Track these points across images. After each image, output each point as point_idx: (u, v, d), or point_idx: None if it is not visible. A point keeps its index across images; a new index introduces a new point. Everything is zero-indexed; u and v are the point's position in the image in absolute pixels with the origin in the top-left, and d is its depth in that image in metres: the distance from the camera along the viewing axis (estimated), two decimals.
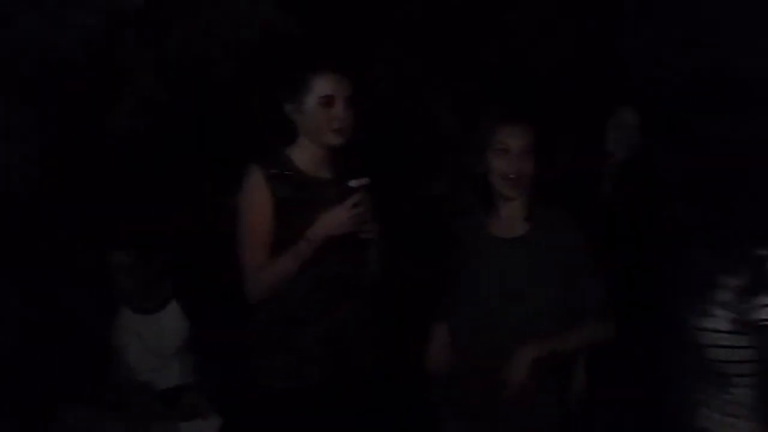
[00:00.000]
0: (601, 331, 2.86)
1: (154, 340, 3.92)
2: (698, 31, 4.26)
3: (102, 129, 3.90)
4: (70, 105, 3.93)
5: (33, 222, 4.25)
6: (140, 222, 4.04)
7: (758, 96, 3.73)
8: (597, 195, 3.62)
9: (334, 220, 2.79)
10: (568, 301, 2.83)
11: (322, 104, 2.85)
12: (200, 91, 3.86)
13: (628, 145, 3.69)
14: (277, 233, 2.82)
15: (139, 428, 3.73)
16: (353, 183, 2.81)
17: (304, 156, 2.91)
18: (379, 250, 2.96)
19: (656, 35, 4.34)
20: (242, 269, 2.83)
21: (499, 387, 2.73)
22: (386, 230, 3.01)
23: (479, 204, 2.94)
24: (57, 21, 3.75)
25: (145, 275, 3.83)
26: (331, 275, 2.85)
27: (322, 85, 2.86)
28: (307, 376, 2.84)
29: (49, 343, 3.90)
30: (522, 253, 2.84)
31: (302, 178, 2.88)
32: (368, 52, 4.45)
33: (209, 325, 3.92)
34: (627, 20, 4.41)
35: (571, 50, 4.10)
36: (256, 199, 2.82)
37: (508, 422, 2.81)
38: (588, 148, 3.69)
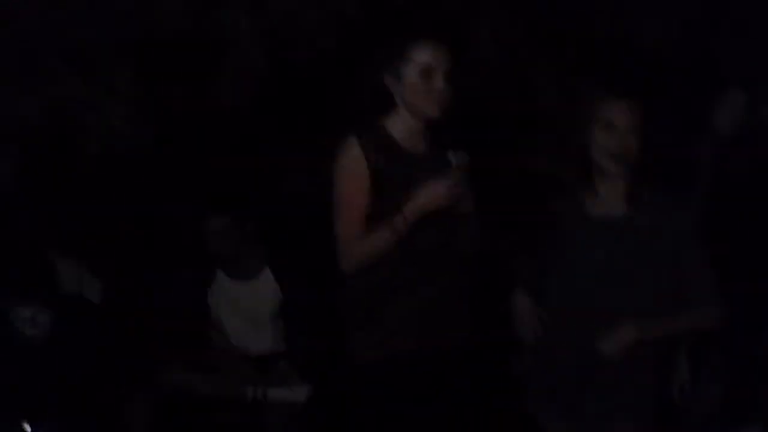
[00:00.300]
0: (707, 317, 2.79)
1: (247, 306, 3.99)
2: None
3: (204, 97, 3.95)
4: (173, 72, 4.00)
5: (133, 184, 4.37)
6: (236, 188, 4.10)
7: None
8: (702, 176, 3.51)
9: (432, 194, 2.77)
10: (672, 285, 2.77)
11: (421, 75, 2.83)
12: (301, 61, 3.87)
13: (736, 125, 3.57)
14: (372, 205, 2.81)
15: (231, 391, 3.82)
16: (452, 158, 2.78)
17: (400, 127, 2.89)
18: (473, 223, 2.93)
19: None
20: (336, 240, 2.84)
21: (592, 363, 2.70)
22: (481, 204, 2.98)
23: (578, 180, 2.89)
24: None
25: (239, 239, 3.89)
26: (426, 248, 2.83)
27: (422, 56, 2.83)
28: (399, 349, 2.84)
29: (146, 306, 4.01)
30: (623, 234, 2.79)
31: (399, 150, 2.87)
32: (466, 20, 4.39)
33: (301, 293, 3.97)
34: None
35: (679, 23, 3.96)
36: (353, 170, 2.81)
37: (598, 401, 2.77)
38: (694, 127, 3.57)
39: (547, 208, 3.01)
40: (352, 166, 2.82)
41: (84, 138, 3.86)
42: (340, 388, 3.06)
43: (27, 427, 3.48)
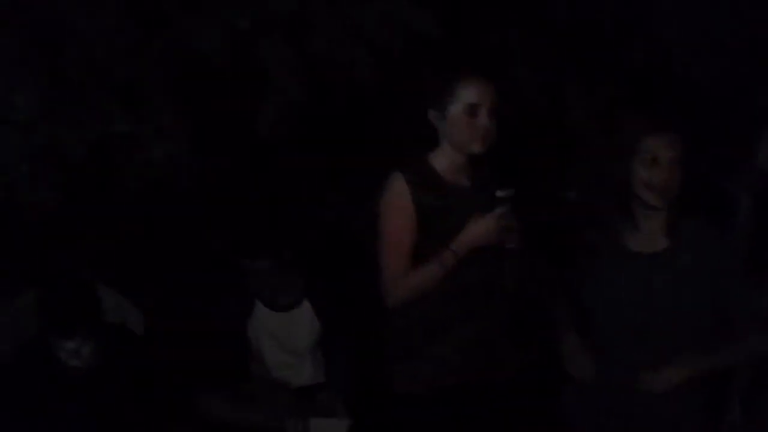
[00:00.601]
0: (755, 351, 2.76)
1: (286, 338, 4.00)
2: None
3: (246, 128, 3.99)
4: (216, 104, 4.05)
5: (174, 217, 4.41)
6: (278, 224, 4.11)
7: None
8: (744, 209, 3.48)
9: (481, 230, 2.78)
10: (717, 319, 2.74)
11: (467, 113, 2.84)
12: (342, 93, 3.91)
13: None
14: (418, 240, 2.82)
15: (273, 422, 3.82)
16: (500, 193, 2.79)
17: (445, 162, 2.90)
18: (520, 259, 2.93)
19: None
20: (382, 274, 2.84)
21: (637, 400, 2.68)
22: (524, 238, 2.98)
23: (617, 214, 2.87)
24: (207, 22, 3.86)
25: (279, 277, 3.91)
26: (472, 283, 2.84)
27: (468, 93, 2.84)
28: (441, 383, 2.84)
29: (187, 336, 4.04)
30: (665, 269, 2.76)
31: (443, 186, 2.88)
32: (507, 53, 4.41)
33: (340, 324, 3.97)
34: None
35: (726, 56, 3.94)
36: (399, 205, 2.82)
37: None
38: (738, 162, 3.55)
39: (583, 240, 2.99)
40: (399, 201, 2.83)
41: (127, 171, 3.92)
42: (381, 420, 3.05)
43: None
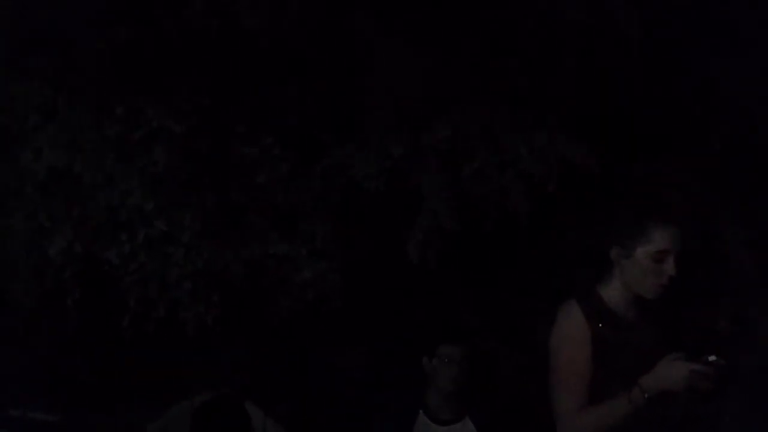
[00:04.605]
0: None
1: None
2: None
3: (398, 251, 4.06)
4: (370, 227, 4.15)
5: (324, 335, 4.50)
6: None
7: None
8: None
9: (674, 374, 2.69)
10: None
11: (656, 257, 2.80)
12: (493, 222, 3.94)
13: None
14: (592, 374, 2.75)
15: None
16: (712, 358, 2.71)
17: (616, 296, 2.84)
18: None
19: None
20: (557, 408, 2.77)
21: None
22: None
23: None
24: (363, 149, 4.00)
25: (467, 373, 3.85)
26: (654, 423, 2.74)
27: (663, 239, 2.80)
28: None
29: None
30: None
31: (616, 318, 2.82)
32: (660, 185, 4.37)
33: None
34: None
35: None
36: (578, 336, 2.75)
37: None
38: None
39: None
40: (577, 332, 2.73)
41: (279, 292, 4.04)
42: None
43: None
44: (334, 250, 4.09)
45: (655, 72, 4.25)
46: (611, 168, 4.06)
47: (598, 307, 2.80)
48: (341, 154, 3.98)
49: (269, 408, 4.19)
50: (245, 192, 3.89)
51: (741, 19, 4.20)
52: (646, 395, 2.65)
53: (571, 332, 2.76)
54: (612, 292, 2.85)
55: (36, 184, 3.75)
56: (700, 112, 4.41)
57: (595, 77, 4.10)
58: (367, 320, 4.47)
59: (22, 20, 3.97)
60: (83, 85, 3.94)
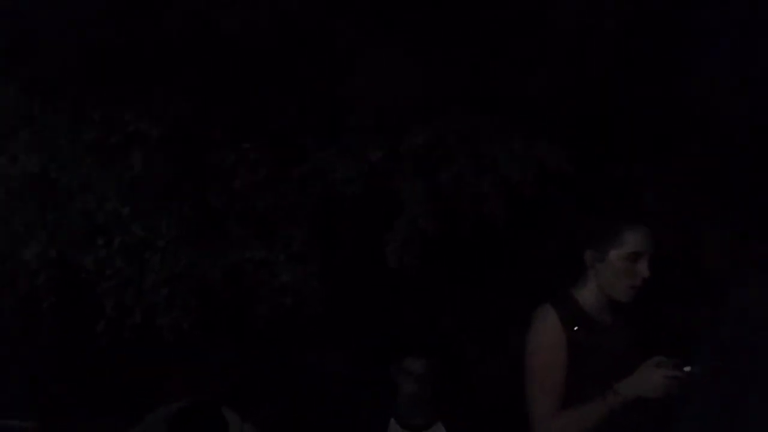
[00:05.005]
0: None
1: None
2: None
3: (376, 255, 4.06)
4: (348, 231, 4.15)
5: (302, 341, 4.49)
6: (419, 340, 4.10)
7: None
8: None
9: (651, 381, 2.70)
10: None
11: (629, 259, 2.81)
12: (471, 226, 3.95)
13: None
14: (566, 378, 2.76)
15: None
16: (687, 368, 2.72)
17: (592, 301, 2.84)
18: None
19: None
20: (532, 412, 2.76)
21: None
22: None
23: None
24: (345, 155, 3.99)
25: (431, 385, 3.86)
26: (628, 428, 2.75)
27: (635, 241, 2.81)
28: None
29: None
30: None
31: (591, 322, 2.83)
32: (637, 188, 4.39)
33: None
34: None
35: None
36: (552, 341, 2.75)
37: None
38: None
39: None
40: (552, 337, 2.74)
41: (257, 297, 4.03)
42: None
43: None
44: (312, 254, 4.08)
45: (634, 74, 4.27)
46: (588, 171, 4.08)
47: (573, 311, 2.81)
48: (319, 159, 3.98)
49: (248, 412, 4.17)
50: (223, 197, 3.88)
51: (712, 20, 4.23)
52: (621, 400, 2.66)
53: (546, 336, 2.77)
54: (587, 295, 2.85)
55: (11, 190, 3.73)
56: (678, 114, 4.44)
57: (573, 81, 4.11)
58: (347, 323, 4.46)
59: None
60: (59, 90, 3.91)
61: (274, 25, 3.98)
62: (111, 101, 3.93)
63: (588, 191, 3.96)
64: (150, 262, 3.84)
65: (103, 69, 3.98)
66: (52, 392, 4.58)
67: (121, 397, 4.37)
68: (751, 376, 2.45)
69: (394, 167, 4.00)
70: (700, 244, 4.56)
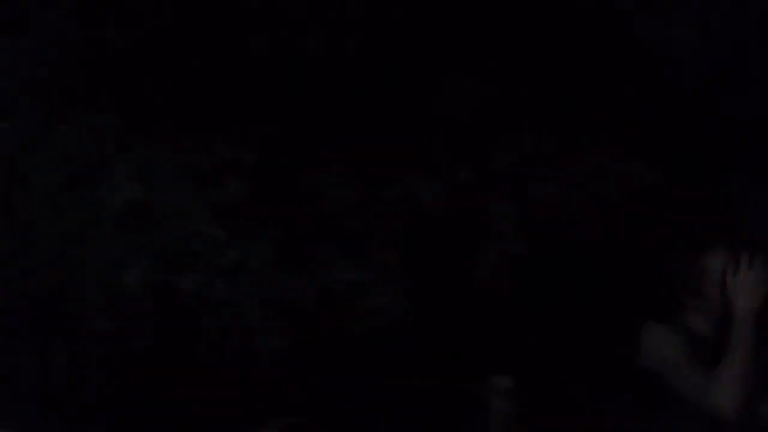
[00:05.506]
0: None
1: None
2: None
3: (464, 277, 4.06)
4: (438, 252, 4.15)
5: (392, 365, 4.49)
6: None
7: None
8: None
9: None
10: None
11: None
12: (564, 248, 3.92)
13: None
14: None
15: None
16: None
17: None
18: None
19: None
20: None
21: None
22: None
23: None
24: (429, 175, 4.00)
25: (520, 403, 3.84)
26: None
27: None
28: None
29: None
30: None
31: None
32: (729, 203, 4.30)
33: None
34: None
35: None
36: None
37: None
38: None
39: None
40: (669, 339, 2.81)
41: (350, 319, 4.05)
42: None
43: None
44: (402, 275, 4.09)
45: (721, 88, 4.21)
46: (682, 187, 4.03)
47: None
48: (407, 181, 4.00)
49: None
50: (313, 219, 3.92)
51: None
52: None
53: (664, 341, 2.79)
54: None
55: (112, 217, 3.83)
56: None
57: (662, 96, 4.07)
58: (436, 344, 4.46)
59: (92, 54, 4.07)
60: (155, 119, 4.01)
61: (360, 51, 4.03)
62: (204, 129, 4.02)
63: (682, 207, 3.90)
64: (246, 285, 3.90)
65: (195, 97, 4.08)
66: (147, 415, 4.66)
67: (217, 419, 4.43)
68: None
69: (482, 188, 4.00)
70: None
